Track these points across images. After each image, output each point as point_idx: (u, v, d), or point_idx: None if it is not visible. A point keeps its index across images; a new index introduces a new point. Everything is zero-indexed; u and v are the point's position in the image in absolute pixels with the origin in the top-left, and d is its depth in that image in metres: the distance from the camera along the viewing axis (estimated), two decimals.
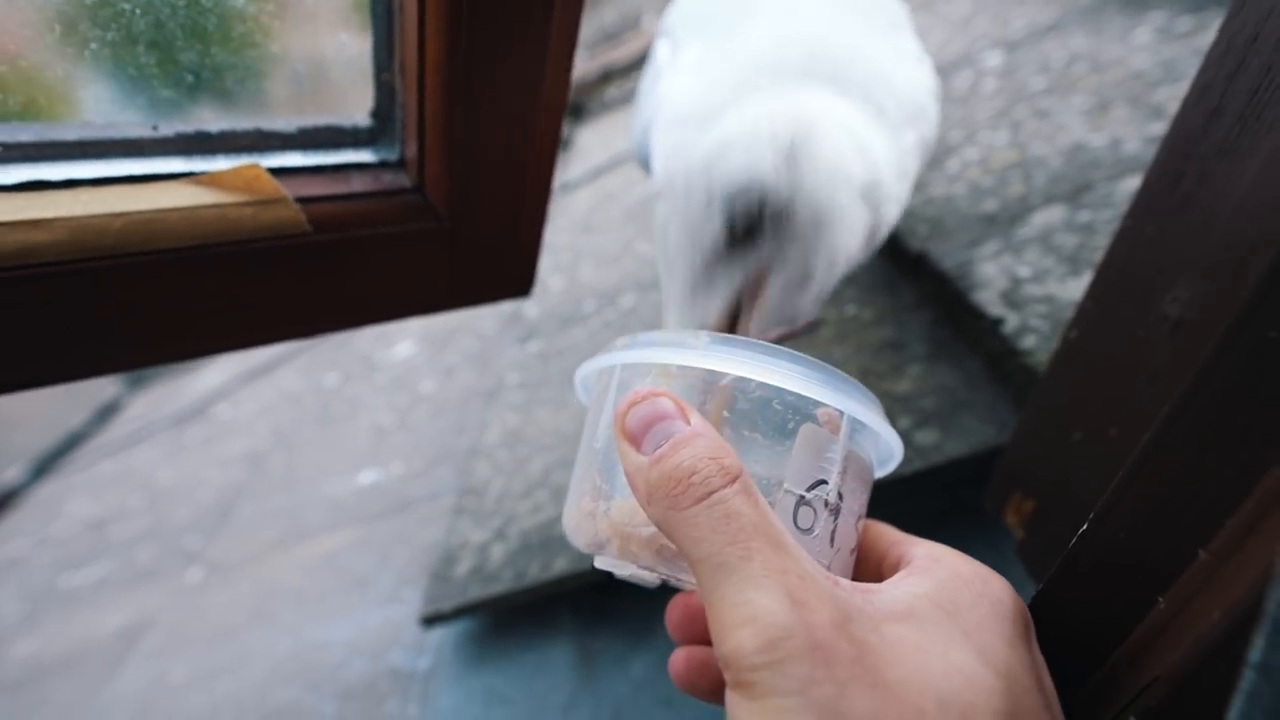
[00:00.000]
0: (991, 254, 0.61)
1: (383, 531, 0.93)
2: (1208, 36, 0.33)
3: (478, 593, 0.64)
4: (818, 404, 0.27)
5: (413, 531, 0.90)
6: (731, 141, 0.39)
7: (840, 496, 0.27)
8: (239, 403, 1.76)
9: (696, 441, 0.24)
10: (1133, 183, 0.60)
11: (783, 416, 0.27)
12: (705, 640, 0.31)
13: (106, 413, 2.33)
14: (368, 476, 1.09)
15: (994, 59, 0.93)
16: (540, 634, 0.65)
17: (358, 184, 0.40)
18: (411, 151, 0.41)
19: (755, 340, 0.28)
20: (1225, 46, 0.31)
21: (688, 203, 0.38)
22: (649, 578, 0.29)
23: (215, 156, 0.37)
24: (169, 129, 0.36)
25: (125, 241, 0.32)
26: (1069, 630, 0.26)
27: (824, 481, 0.27)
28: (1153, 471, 0.23)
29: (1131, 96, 0.71)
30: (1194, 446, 0.22)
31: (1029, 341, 0.51)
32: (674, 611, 0.31)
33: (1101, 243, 0.56)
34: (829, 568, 0.26)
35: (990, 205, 0.67)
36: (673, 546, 0.26)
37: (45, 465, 2.07)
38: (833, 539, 0.27)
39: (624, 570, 0.29)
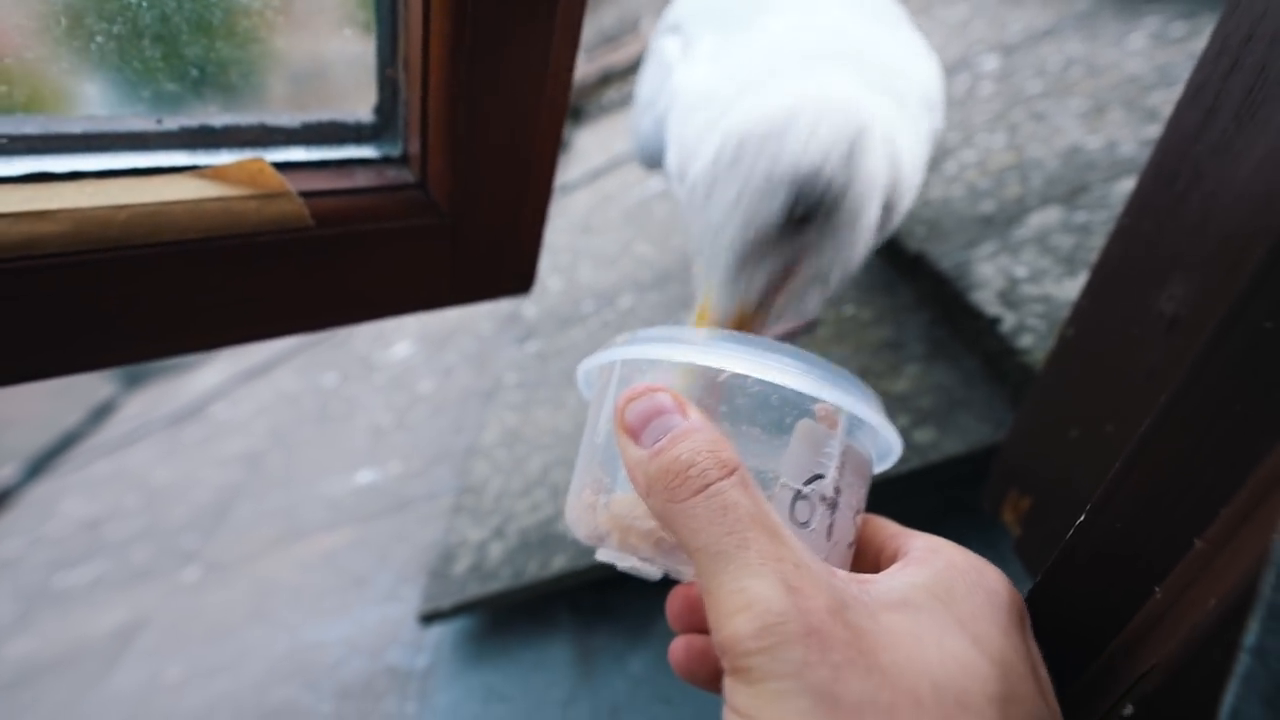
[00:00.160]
0: (989, 254, 0.61)
1: (381, 531, 0.93)
2: (1201, 41, 0.33)
3: (476, 590, 0.64)
4: (815, 399, 0.27)
5: (411, 530, 0.90)
6: (797, 123, 0.38)
7: (837, 491, 0.27)
8: (236, 402, 1.76)
9: (694, 435, 0.24)
10: (1128, 184, 0.61)
11: (780, 412, 0.27)
12: (705, 629, 0.31)
13: (102, 412, 2.33)
14: (366, 476, 1.09)
15: (991, 63, 0.94)
16: (539, 632, 0.65)
17: (361, 179, 0.40)
18: (414, 147, 0.41)
19: (753, 336, 0.28)
20: (1220, 46, 0.32)
21: (745, 180, 0.37)
22: (650, 570, 0.29)
23: (219, 151, 0.38)
24: (173, 123, 0.36)
25: (129, 234, 0.32)
26: (1066, 622, 0.27)
27: (821, 476, 0.27)
28: (1149, 462, 0.24)
29: (1127, 100, 0.71)
30: (1189, 437, 0.22)
31: (1026, 341, 0.51)
32: (674, 601, 0.31)
33: (1097, 243, 0.56)
34: (826, 560, 0.26)
35: (987, 206, 0.67)
36: (672, 538, 0.26)
37: (40, 465, 2.06)
38: (830, 532, 0.27)
39: (625, 562, 0.29)
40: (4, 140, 0.32)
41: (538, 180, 0.44)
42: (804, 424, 0.27)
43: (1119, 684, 0.24)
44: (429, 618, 0.66)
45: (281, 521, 1.09)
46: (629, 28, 2.29)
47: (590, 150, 1.80)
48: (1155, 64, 0.75)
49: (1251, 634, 0.17)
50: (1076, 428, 0.40)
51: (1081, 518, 0.26)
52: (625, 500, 0.28)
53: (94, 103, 0.36)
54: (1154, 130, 0.65)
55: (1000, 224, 0.64)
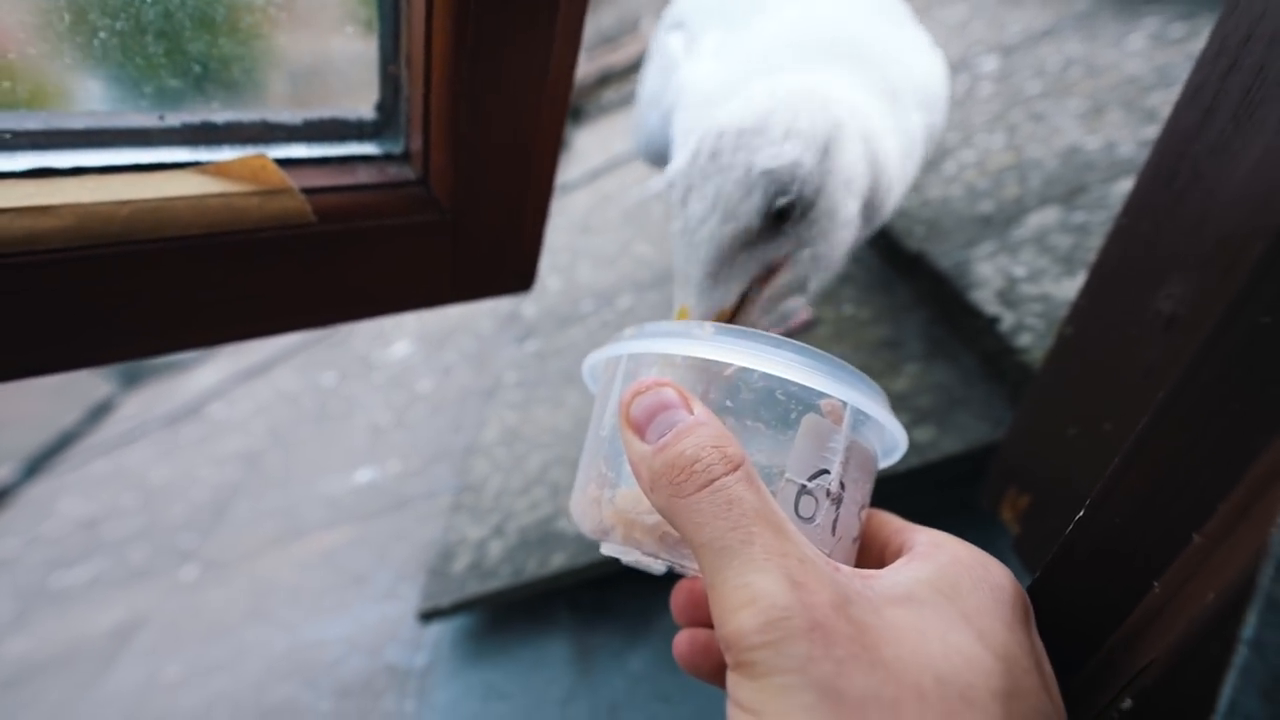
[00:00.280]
0: (987, 254, 0.61)
1: (380, 529, 0.93)
2: (1200, 42, 0.33)
3: (475, 588, 0.64)
4: (821, 395, 0.27)
5: (410, 529, 0.90)
6: (773, 120, 0.38)
7: (842, 486, 0.27)
8: (234, 402, 1.76)
9: (699, 430, 0.24)
10: (1126, 185, 0.61)
11: (785, 407, 0.27)
12: (708, 623, 0.31)
13: (99, 412, 2.32)
14: (365, 475, 1.09)
15: (990, 64, 0.94)
16: (538, 629, 0.65)
17: (362, 176, 0.40)
18: (416, 145, 0.41)
19: (759, 331, 0.28)
20: (1219, 46, 0.32)
21: (721, 176, 0.37)
22: (654, 564, 0.29)
23: (221, 147, 0.38)
24: (176, 119, 0.36)
25: (132, 229, 0.32)
26: (1066, 617, 0.27)
27: (826, 471, 0.27)
28: (1147, 458, 0.24)
29: (1125, 101, 0.72)
30: (1187, 433, 0.22)
31: (1024, 339, 0.52)
32: (678, 595, 0.31)
33: (1096, 243, 0.56)
34: (830, 555, 0.26)
35: (986, 206, 0.68)
36: (676, 533, 0.26)
37: (37, 464, 2.05)
38: (834, 527, 0.27)
39: (629, 556, 0.29)
40: (7, 135, 0.32)
41: (539, 178, 0.45)
42: (809, 419, 0.27)
43: (1118, 678, 0.24)
44: (428, 616, 0.66)
45: (280, 520, 1.09)
46: (628, 28, 2.29)
47: (589, 150, 1.80)
48: (1154, 65, 0.75)
49: (1249, 627, 0.17)
50: (1075, 426, 0.40)
51: (1081, 513, 0.26)
52: (630, 495, 0.28)
53: (97, 98, 0.36)
54: (1153, 131, 0.66)
55: (999, 224, 0.64)
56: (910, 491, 0.55)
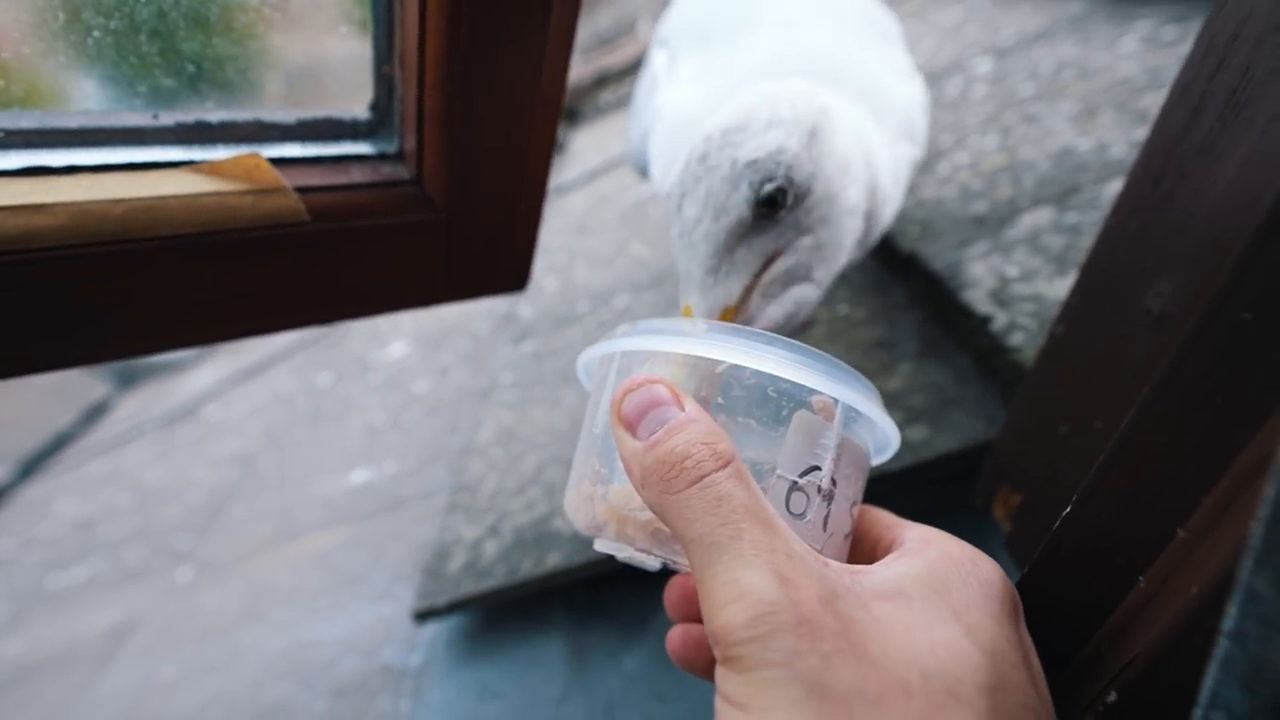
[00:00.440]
0: (980, 254, 0.62)
1: (376, 529, 0.93)
2: (1191, 45, 0.34)
3: (470, 588, 0.65)
4: (812, 391, 0.27)
5: (406, 529, 0.90)
6: (755, 115, 0.38)
7: (834, 483, 0.28)
8: (230, 403, 1.76)
9: (690, 427, 0.24)
10: (1118, 185, 0.61)
11: (777, 403, 0.28)
12: (701, 619, 0.31)
13: (95, 413, 2.32)
14: (361, 475, 1.09)
15: (984, 66, 0.95)
16: (533, 629, 0.65)
17: (356, 175, 0.40)
18: (410, 144, 0.41)
19: (752, 329, 0.28)
20: (1206, 46, 0.32)
21: (710, 176, 0.37)
22: (648, 560, 0.29)
23: (215, 146, 0.38)
24: (170, 118, 0.36)
25: (126, 227, 0.33)
26: (1053, 612, 0.27)
27: (817, 468, 0.27)
28: (1132, 454, 0.24)
29: (1118, 102, 0.72)
30: (1171, 428, 0.23)
31: (1017, 339, 0.52)
32: (672, 591, 0.32)
33: (1088, 243, 0.56)
34: (821, 551, 0.27)
35: (980, 207, 0.68)
36: (667, 529, 0.26)
37: (32, 465, 2.05)
38: (826, 523, 0.27)
39: (623, 553, 0.29)
40: (1, 134, 0.33)
41: (532, 177, 0.45)
42: (801, 416, 0.27)
43: (1105, 672, 0.24)
44: (423, 615, 0.66)
45: (275, 521, 1.09)
46: (625, 30, 2.30)
47: (586, 152, 1.80)
48: (1146, 67, 0.76)
49: (1230, 619, 0.17)
50: (1066, 424, 0.40)
51: (1067, 509, 0.26)
52: (622, 491, 0.29)
53: (91, 98, 0.36)
54: (1144, 132, 0.66)
55: (992, 224, 0.65)
56: (904, 490, 0.55)
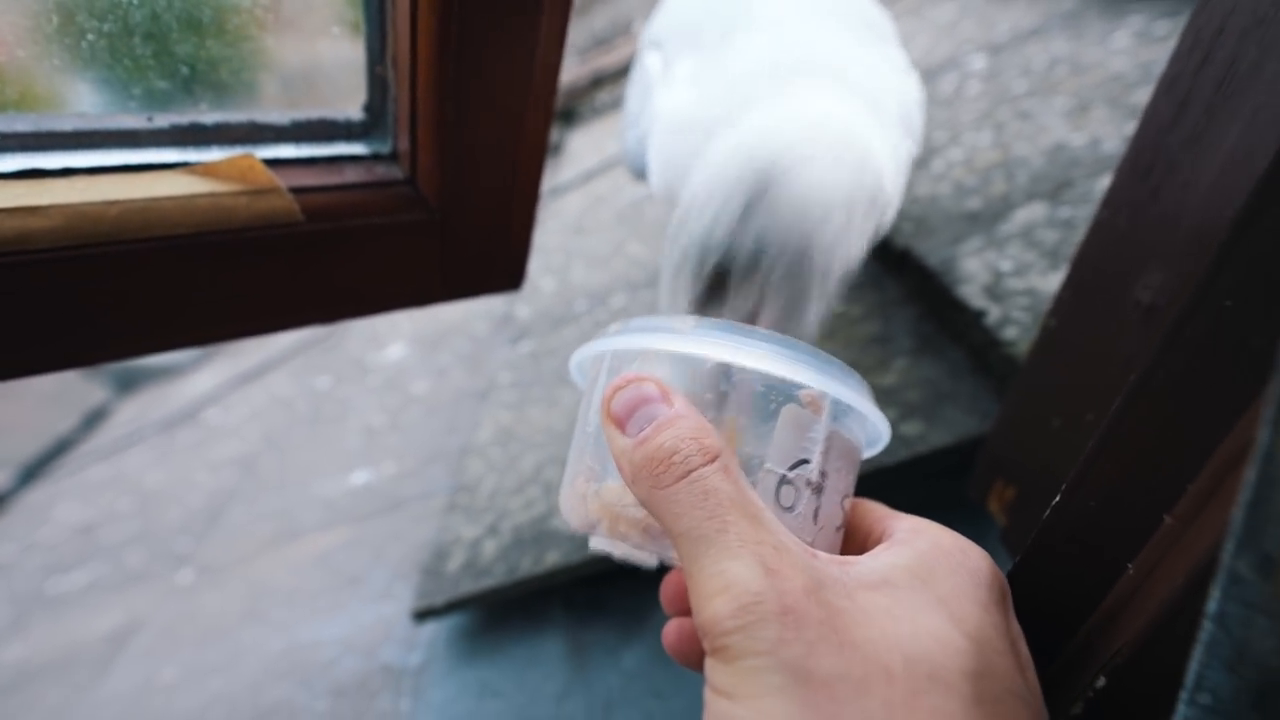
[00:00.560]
0: (975, 250, 0.62)
1: (375, 530, 0.94)
2: None
3: (470, 587, 0.65)
4: (800, 386, 0.28)
5: (405, 530, 0.90)
6: (702, 186, 0.40)
7: (823, 476, 0.28)
8: (229, 407, 1.76)
9: (679, 423, 0.24)
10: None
11: (765, 398, 0.28)
12: None
13: (95, 418, 2.32)
14: (360, 477, 1.09)
15: (978, 62, 0.95)
16: (532, 627, 0.66)
17: (350, 175, 0.40)
18: (404, 144, 0.41)
19: (740, 324, 0.29)
20: (1193, 40, 0.33)
21: (674, 251, 0.40)
22: (645, 557, 0.29)
23: (210, 148, 0.38)
24: (164, 120, 0.36)
25: (121, 229, 0.33)
26: (1045, 603, 0.27)
27: (806, 461, 0.27)
28: (1120, 442, 0.24)
29: (1110, 98, 0.72)
30: (1158, 415, 0.23)
31: (1011, 333, 0.52)
32: (667, 586, 0.32)
33: (1081, 237, 0.57)
34: (812, 544, 0.27)
35: (974, 203, 0.68)
36: (659, 525, 0.26)
37: (33, 471, 2.05)
38: (816, 516, 0.28)
39: (618, 550, 0.29)
40: None
41: (526, 175, 0.45)
42: (789, 410, 0.27)
43: (1095, 660, 0.25)
44: (423, 615, 0.66)
45: (275, 523, 1.09)
46: (621, 30, 2.30)
47: (583, 152, 1.81)
48: (1139, 62, 0.76)
49: (1213, 601, 0.17)
50: (1058, 417, 0.41)
51: (1056, 498, 0.26)
52: (615, 488, 0.29)
53: (85, 100, 0.36)
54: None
55: (986, 220, 0.65)
56: (900, 485, 0.56)
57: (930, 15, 1.18)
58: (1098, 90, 0.75)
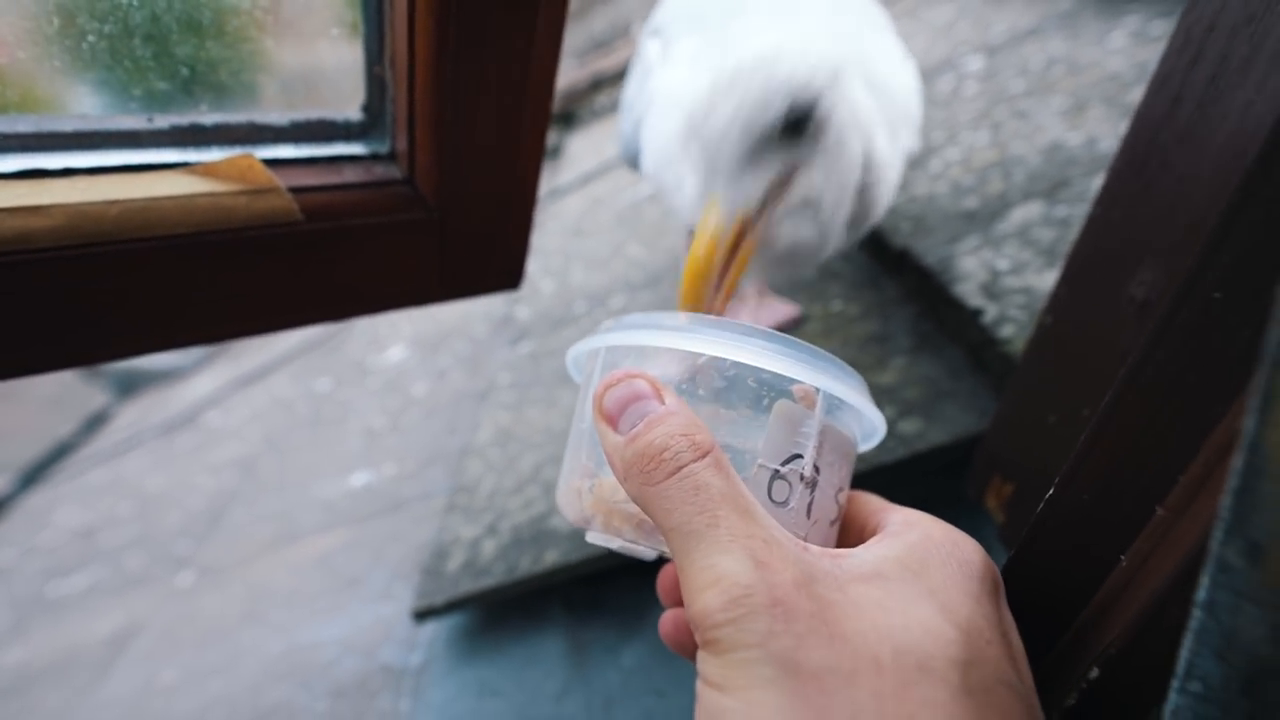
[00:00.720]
0: (972, 249, 0.62)
1: (375, 531, 0.94)
2: None
3: (469, 587, 0.65)
4: (792, 381, 0.28)
5: (405, 530, 0.90)
6: (788, 47, 0.42)
7: (816, 470, 0.28)
8: (229, 410, 1.76)
9: (669, 419, 0.25)
10: None
11: (758, 393, 0.28)
12: None
13: (95, 422, 2.32)
14: (360, 478, 1.09)
15: (975, 63, 0.95)
16: (531, 626, 0.66)
17: (349, 175, 0.40)
18: (402, 144, 0.42)
19: (732, 320, 0.29)
20: (1184, 37, 0.33)
21: (744, 92, 0.41)
22: (643, 551, 0.29)
23: (209, 148, 0.38)
24: (164, 121, 0.37)
25: (121, 228, 0.33)
26: (1040, 595, 0.27)
27: (799, 455, 0.28)
28: (1112, 434, 0.24)
29: (1107, 97, 0.73)
30: (1149, 407, 0.23)
31: (1007, 331, 0.52)
32: (664, 578, 0.32)
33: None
34: (806, 538, 0.27)
35: (971, 202, 0.68)
36: (651, 520, 0.27)
37: (34, 475, 2.05)
38: (809, 510, 0.28)
39: (615, 544, 0.30)
40: None
41: (524, 175, 0.45)
42: (781, 405, 0.28)
43: (1089, 652, 0.25)
44: (422, 615, 0.66)
45: (275, 525, 1.10)
46: (620, 33, 2.31)
47: (582, 154, 1.81)
48: (1135, 61, 0.76)
49: (1203, 589, 0.17)
50: (1054, 414, 0.41)
51: (1050, 491, 0.27)
52: (609, 484, 0.29)
53: (86, 101, 0.36)
54: None
55: (983, 219, 0.65)
56: (898, 482, 0.56)
57: (927, 17, 1.18)
58: (1094, 90, 0.75)
